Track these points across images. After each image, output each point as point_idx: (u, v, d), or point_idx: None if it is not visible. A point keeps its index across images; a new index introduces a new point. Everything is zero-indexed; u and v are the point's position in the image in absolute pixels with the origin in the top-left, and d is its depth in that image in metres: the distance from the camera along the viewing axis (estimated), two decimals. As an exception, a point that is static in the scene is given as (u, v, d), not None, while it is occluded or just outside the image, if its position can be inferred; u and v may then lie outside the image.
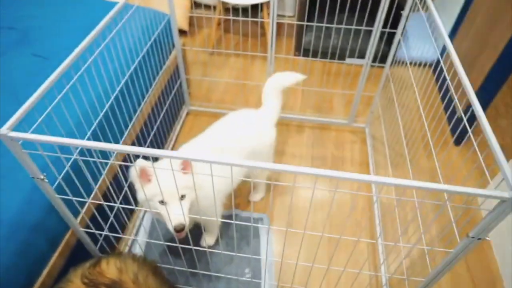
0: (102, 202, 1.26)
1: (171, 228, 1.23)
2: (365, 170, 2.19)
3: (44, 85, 1.00)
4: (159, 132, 2.09)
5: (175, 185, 1.12)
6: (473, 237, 0.90)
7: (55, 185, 1.09)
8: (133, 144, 1.77)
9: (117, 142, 1.60)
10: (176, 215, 1.22)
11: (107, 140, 1.51)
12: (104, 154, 1.51)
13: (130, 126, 1.69)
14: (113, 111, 1.56)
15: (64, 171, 1.18)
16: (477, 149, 1.08)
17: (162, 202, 1.23)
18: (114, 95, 1.56)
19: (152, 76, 1.92)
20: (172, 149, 2.28)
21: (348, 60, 2.83)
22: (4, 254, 1.09)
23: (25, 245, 1.15)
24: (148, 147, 1.95)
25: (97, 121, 1.43)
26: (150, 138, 1.95)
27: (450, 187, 0.78)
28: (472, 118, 1.04)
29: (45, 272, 1.22)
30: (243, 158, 1.59)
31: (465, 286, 1.69)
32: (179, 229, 1.23)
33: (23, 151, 0.93)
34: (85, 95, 1.40)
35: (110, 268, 1.12)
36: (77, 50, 1.14)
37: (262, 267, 1.75)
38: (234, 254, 1.56)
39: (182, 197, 1.25)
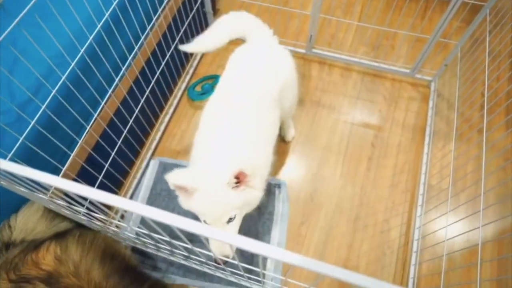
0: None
1: (212, 255, 0.98)
2: (418, 139, 1.74)
3: None
4: (173, 60, 1.73)
5: (222, 208, 0.94)
6: None
7: None
8: (141, 72, 1.48)
9: (117, 68, 1.30)
10: (221, 247, 0.96)
11: (104, 67, 1.21)
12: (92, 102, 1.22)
13: (136, 49, 1.36)
14: (116, 24, 1.24)
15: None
16: None
17: (205, 221, 0.99)
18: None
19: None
20: (188, 84, 1.94)
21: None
22: None
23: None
24: (159, 78, 1.63)
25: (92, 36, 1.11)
26: (162, 67, 1.61)
27: None
28: None
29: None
30: (276, 101, 1.21)
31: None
32: (223, 262, 0.97)
33: None
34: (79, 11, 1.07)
35: (47, 258, 0.92)
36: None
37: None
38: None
39: (230, 219, 0.98)
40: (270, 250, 0.49)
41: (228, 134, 1.05)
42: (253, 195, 0.99)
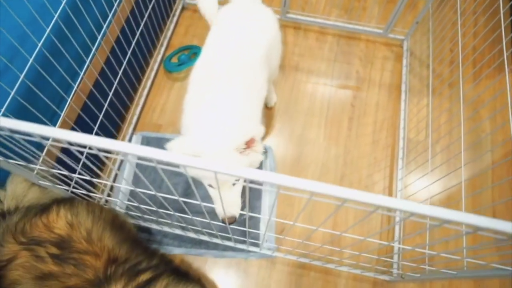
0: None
1: (219, 216, 1.01)
2: (395, 96, 1.80)
3: None
4: (148, 31, 1.67)
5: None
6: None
7: None
8: (116, 42, 1.41)
9: (87, 48, 1.23)
10: (228, 207, 0.98)
11: (79, 35, 1.15)
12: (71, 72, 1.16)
13: (110, 16, 1.30)
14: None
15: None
16: None
17: (210, 185, 1.00)
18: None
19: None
20: (164, 56, 1.89)
21: None
22: None
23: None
24: (135, 50, 1.57)
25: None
26: (136, 39, 1.55)
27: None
28: None
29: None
30: (265, 61, 1.20)
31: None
32: (230, 222, 1.00)
33: None
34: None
35: (59, 222, 0.91)
36: None
37: (262, 202, 1.55)
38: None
39: (235, 181, 0.99)
40: (278, 177, 0.52)
41: (227, 99, 1.02)
42: (256, 158, 1.00)
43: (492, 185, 1.55)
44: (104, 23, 1.30)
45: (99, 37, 1.27)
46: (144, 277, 0.91)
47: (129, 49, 1.50)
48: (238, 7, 1.27)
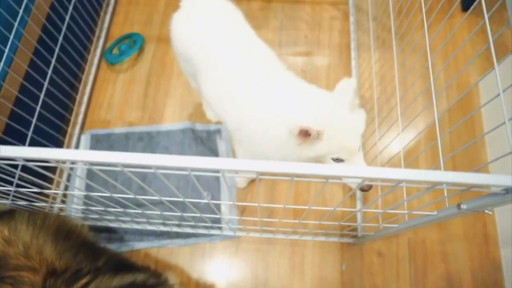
0: None
1: (355, 188, 0.88)
2: (346, 55, 1.75)
3: None
4: (78, 25, 1.58)
5: (357, 136, 0.87)
6: (466, 210, 0.58)
7: None
8: (38, 48, 1.33)
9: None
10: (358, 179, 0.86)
11: None
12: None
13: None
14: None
15: None
16: (486, 17, 0.68)
17: (337, 159, 0.89)
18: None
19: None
20: (104, 48, 1.81)
21: None
22: None
23: None
24: (64, 48, 1.49)
25: None
26: (63, 35, 1.46)
27: (443, 176, 0.42)
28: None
29: None
30: None
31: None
32: (368, 189, 0.90)
33: None
34: None
35: None
36: None
37: (221, 185, 1.52)
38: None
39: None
40: (231, 163, 0.50)
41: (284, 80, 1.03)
42: (362, 114, 0.92)
43: (448, 131, 1.53)
44: (15, 21, 1.22)
45: (11, 37, 1.19)
46: (83, 281, 0.89)
47: (56, 45, 1.42)
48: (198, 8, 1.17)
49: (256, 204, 0.79)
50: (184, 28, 1.15)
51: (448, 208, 0.64)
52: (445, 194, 0.67)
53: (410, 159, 1.01)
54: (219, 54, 1.07)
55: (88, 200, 1.13)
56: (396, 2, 1.79)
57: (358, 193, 1.46)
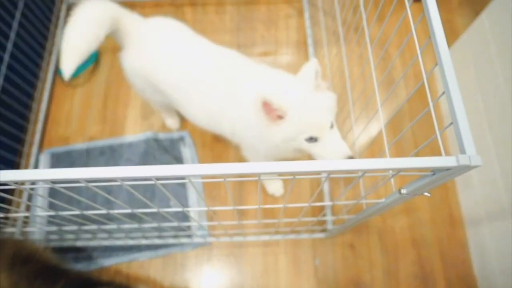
0: None
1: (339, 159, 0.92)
2: (303, 52, 1.76)
3: None
4: (26, 42, 1.53)
5: (325, 112, 0.89)
6: (406, 194, 0.59)
7: None
8: None
9: None
10: (340, 151, 0.90)
11: None
12: None
13: None
14: None
15: None
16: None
17: (311, 139, 0.89)
18: None
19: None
20: (57, 64, 1.75)
21: None
22: None
23: None
24: (8, 66, 1.44)
25: None
26: (10, 52, 1.41)
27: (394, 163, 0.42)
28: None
29: None
30: None
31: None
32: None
33: None
34: None
35: None
36: None
37: (188, 192, 1.50)
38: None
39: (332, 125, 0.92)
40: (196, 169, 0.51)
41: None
42: (330, 94, 0.95)
43: (411, 124, 1.56)
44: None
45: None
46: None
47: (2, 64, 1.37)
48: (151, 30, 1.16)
49: (231, 208, 0.78)
50: (140, 62, 1.14)
51: (392, 194, 0.65)
52: (381, 181, 0.67)
53: (380, 150, 1.02)
54: (190, 78, 1.10)
55: (52, 218, 1.09)
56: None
57: (326, 187, 1.47)
